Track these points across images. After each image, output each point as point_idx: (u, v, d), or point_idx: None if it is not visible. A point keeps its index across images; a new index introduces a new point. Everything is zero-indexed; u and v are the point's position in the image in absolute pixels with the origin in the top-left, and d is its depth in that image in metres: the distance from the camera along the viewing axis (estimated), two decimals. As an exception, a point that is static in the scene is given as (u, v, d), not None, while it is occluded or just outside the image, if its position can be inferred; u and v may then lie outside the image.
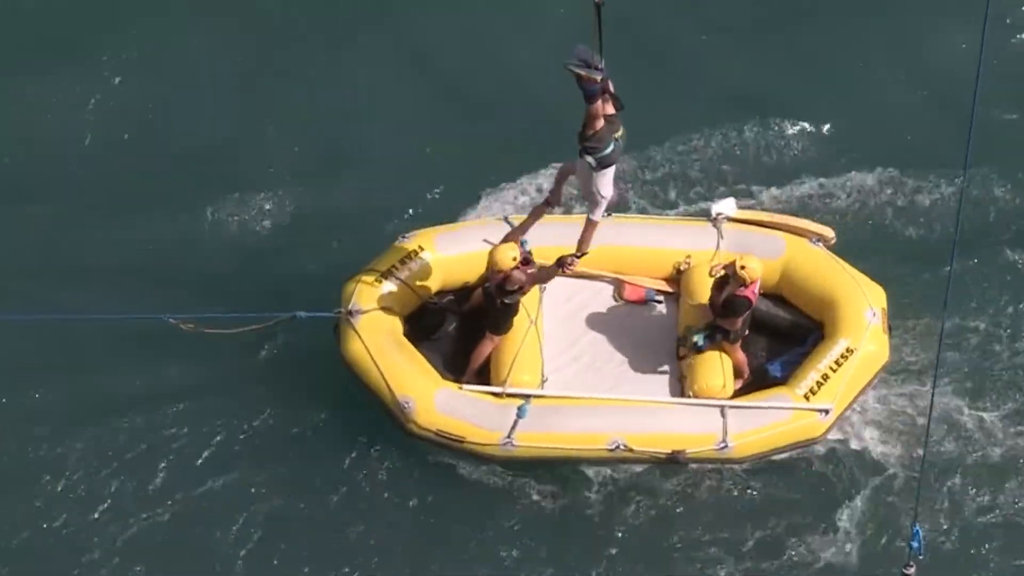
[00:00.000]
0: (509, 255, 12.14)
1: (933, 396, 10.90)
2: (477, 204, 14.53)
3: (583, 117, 11.37)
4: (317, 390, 13.64)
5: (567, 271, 12.27)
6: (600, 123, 11.36)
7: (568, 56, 10.92)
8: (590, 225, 12.14)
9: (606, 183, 11.87)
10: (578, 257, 12.25)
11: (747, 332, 13.02)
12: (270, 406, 13.65)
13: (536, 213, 12.74)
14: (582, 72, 10.98)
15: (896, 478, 13.35)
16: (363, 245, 13.75)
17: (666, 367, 13.29)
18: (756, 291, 12.43)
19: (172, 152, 14.94)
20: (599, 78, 11.01)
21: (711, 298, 12.72)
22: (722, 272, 12.58)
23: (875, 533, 13.23)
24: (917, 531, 10.57)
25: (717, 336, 12.76)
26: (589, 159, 11.55)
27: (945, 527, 13.28)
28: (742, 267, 12.20)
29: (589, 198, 12.09)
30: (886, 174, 14.97)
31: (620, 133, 11.62)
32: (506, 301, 12.54)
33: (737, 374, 13.22)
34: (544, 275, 12.36)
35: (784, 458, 13.23)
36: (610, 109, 11.45)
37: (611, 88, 11.38)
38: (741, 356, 13.20)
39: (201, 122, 15.06)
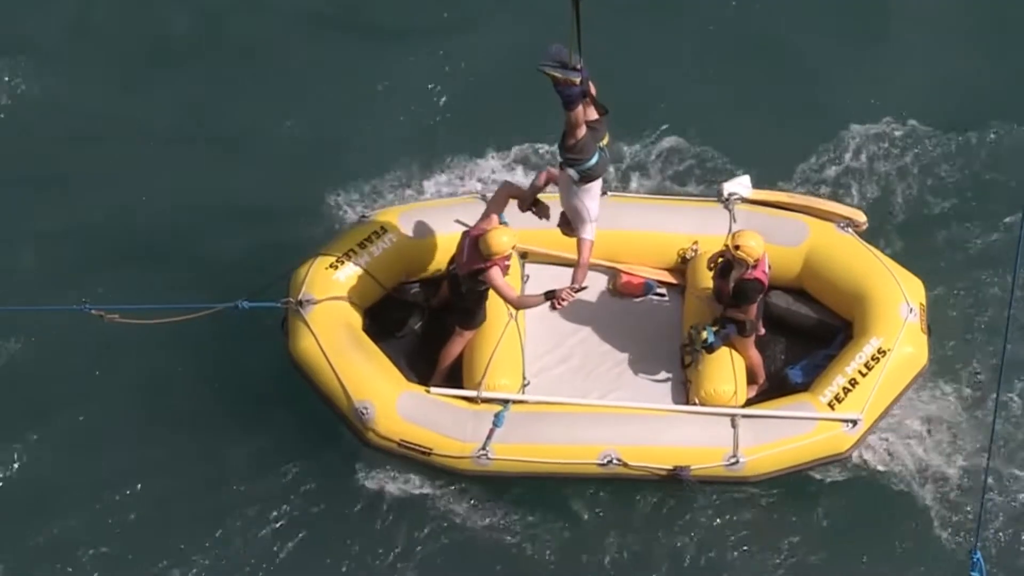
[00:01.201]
0: (505, 240, 11.30)
1: (998, 400, 10.19)
2: (448, 180, 13.83)
3: (562, 125, 10.77)
4: (261, 392, 12.84)
5: (559, 306, 11.47)
6: (582, 131, 10.71)
7: (542, 56, 10.31)
8: (583, 246, 11.41)
9: (591, 198, 11.22)
10: (575, 291, 11.41)
11: (763, 331, 12.26)
12: (205, 410, 12.87)
13: (501, 195, 11.82)
14: (558, 75, 10.31)
15: (945, 497, 12.53)
16: (318, 226, 13.31)
17: (668, 370, 12.50)
18: (766, 269, 11.63)
19: (101, 122, 14.32)
20: (578, 80, 10.33)
21: (716, 287, 11.91)
22: (719, 260, 11.87)
23: (923, 565, 12.41)
24: (978, 559, 9.68)
25: (730, 329, 11.92)
26: (571, 172, 10.94)
27: (1010, 553, 12.42)
28: (736, 247, 11.43)
29: (572, 215, 11.39)
30: (927, 148, 14.20)
31: (605, 141, 11.04)
32: (478, 288, 11.66)
33: (751, 379, 12.40)
34: (526, 302, 11.64)
35: (806, 477, 12.42)
36: (593, 114, 10.84)
37: (593, 91, 10.77)
38: (756, 358, 12.34)
39: (135, 92, 14.52)
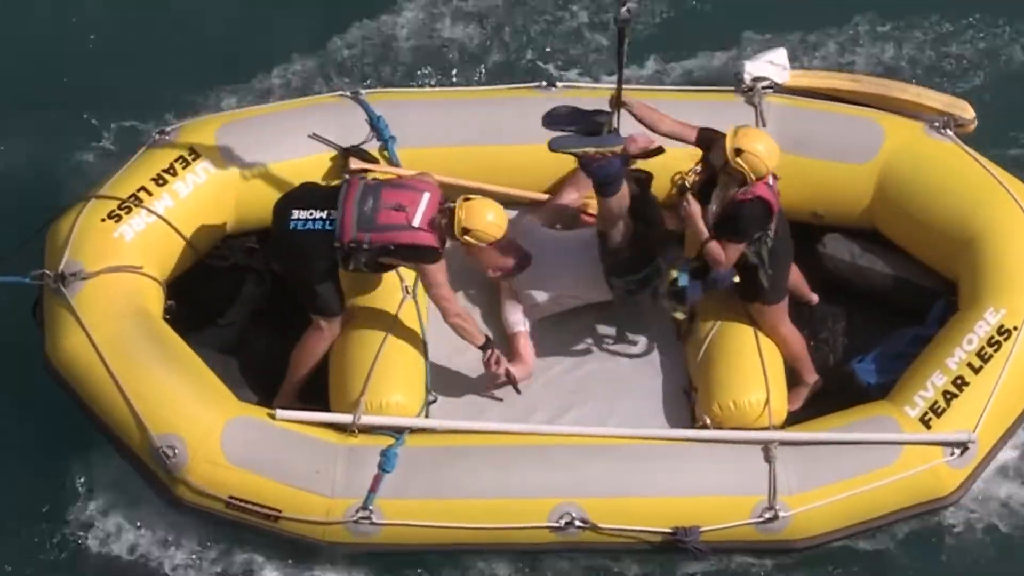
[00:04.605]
0: (491, 219, 9.23)
1: None
2: (286, 66, 11.33)
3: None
4: (9, 416, 10.27)
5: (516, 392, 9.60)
6: (623, 226, 9.34)
7: (547, 122, 8.82)
8: (518, 340, 9.60)
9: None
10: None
11: (815, 298, 9.93)
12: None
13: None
14: (590, 150, 8.84)
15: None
16: (90, 157, 10.92)
17: (659, 372, 9.96)
18: (773, 183, 9.38)
19: None
20: (619, 148, 8.90)
21: (703, 215, 9.78)
22: (694, 177, 9.94)
23: None
24: None
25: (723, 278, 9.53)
26: (621, 282, 9.40)
27: None
28: (738, 152, 9.02)
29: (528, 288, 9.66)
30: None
31: None
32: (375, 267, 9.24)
33: (795, 378, 9.77)
34: (466, 328, 9.45)
35: (886, 536, 9.70)
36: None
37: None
38: (794, 338, 9.71)
39: None
